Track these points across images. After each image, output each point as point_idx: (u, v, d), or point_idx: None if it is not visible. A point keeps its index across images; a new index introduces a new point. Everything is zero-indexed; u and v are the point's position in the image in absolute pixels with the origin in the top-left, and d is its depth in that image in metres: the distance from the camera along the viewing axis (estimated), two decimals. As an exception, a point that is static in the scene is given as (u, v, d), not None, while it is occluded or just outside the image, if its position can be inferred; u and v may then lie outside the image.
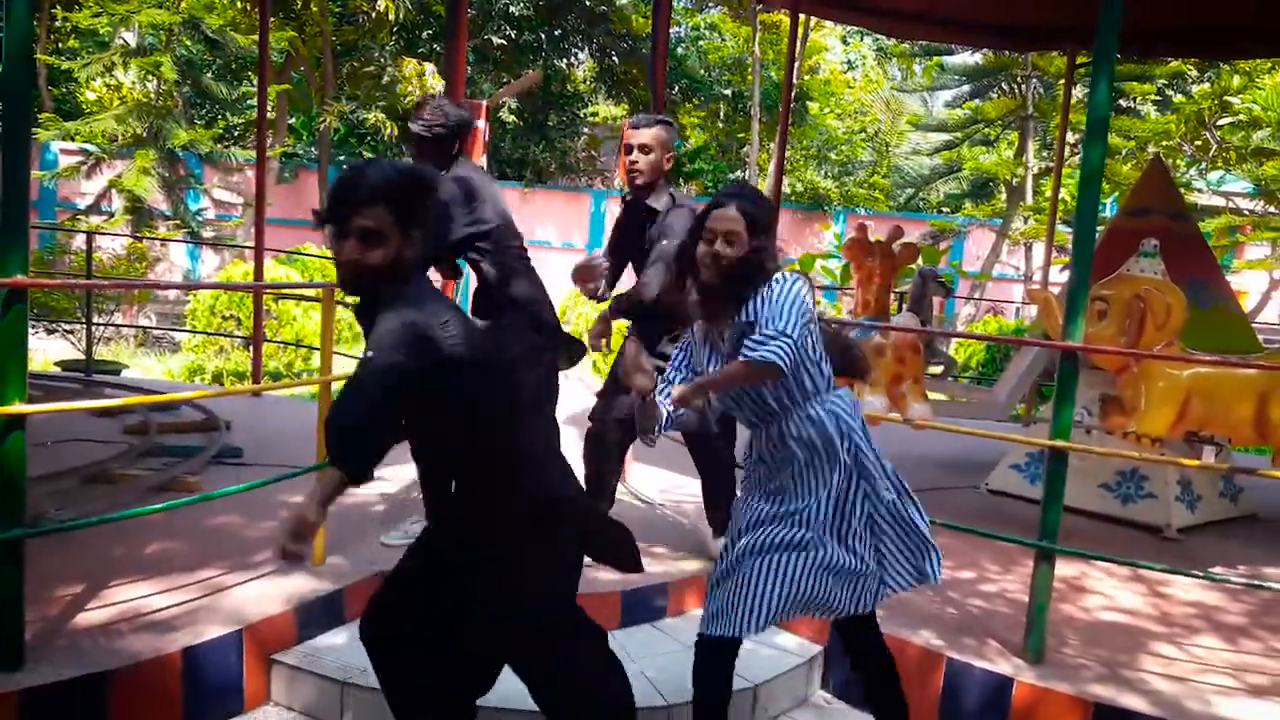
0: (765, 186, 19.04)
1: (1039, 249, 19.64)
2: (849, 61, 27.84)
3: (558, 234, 20.17)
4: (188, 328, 10.52)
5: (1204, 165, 16.20)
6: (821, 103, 24.53)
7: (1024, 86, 19.97)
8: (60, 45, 16.70)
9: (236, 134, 19.91)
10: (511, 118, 20.79)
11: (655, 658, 3.59)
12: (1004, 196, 21.50)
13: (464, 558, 2.42)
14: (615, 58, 21.44)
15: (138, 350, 12.10)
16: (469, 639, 2.53)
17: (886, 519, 2.76)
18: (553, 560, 2.48)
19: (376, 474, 2.25)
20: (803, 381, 2.67)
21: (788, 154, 17.23)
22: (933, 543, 2.82)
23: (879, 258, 5.42)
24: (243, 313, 9.89)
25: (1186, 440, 5.43)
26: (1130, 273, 5.13)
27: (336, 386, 9.48)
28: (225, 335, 9.95)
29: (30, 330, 2.93)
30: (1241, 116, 14.36)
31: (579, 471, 2.90)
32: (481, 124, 4.17)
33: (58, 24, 15.67)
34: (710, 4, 23.86)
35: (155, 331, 12.90)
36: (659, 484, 5.42)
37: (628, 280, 4.06)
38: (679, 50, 23.22)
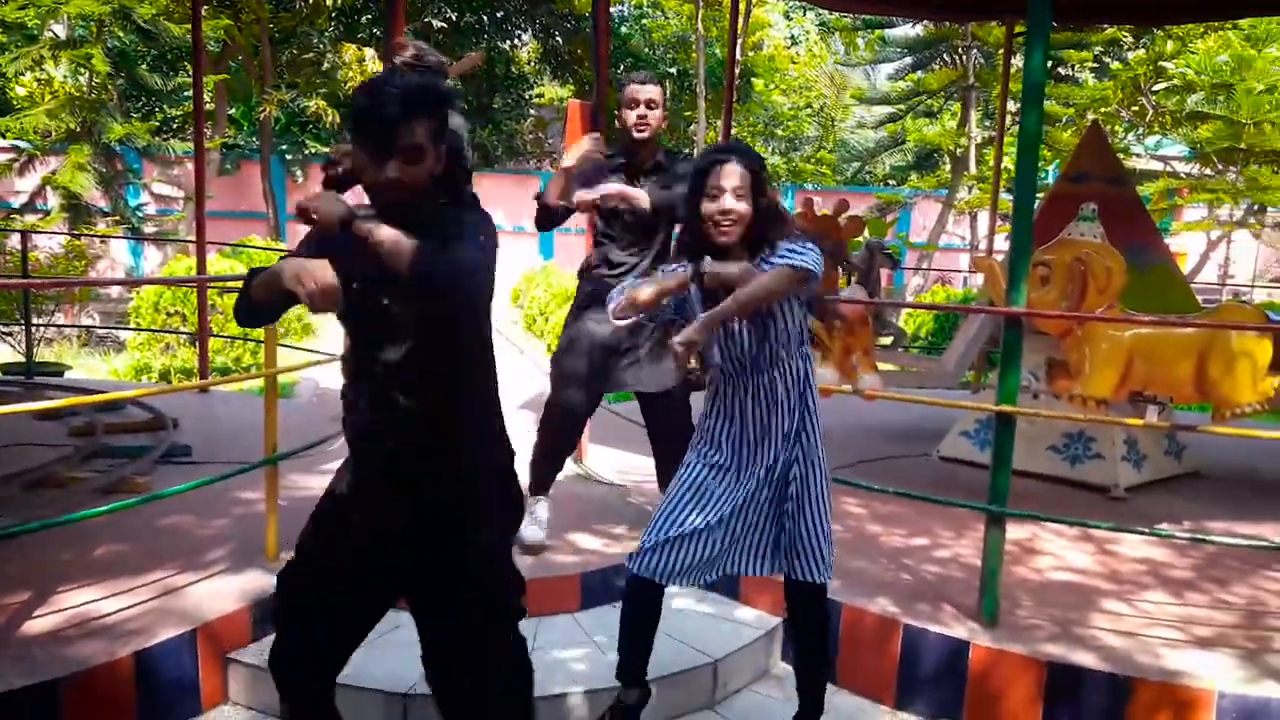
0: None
1: (984, 218, 19.90)
2: (792, 37, 27.89)
3: (508, 218, 20.02)
4: (132, 326, 10.32)
5: (1141, 130, 16.48)
6: (766, 79, 24.58)
7: (965, 57, 20.14)
8: (-14, 40, 16.21)
9: (175, 126, 19.49)
10: (456, 101, 20.55)
11: (616, 638, 3.59)
12: (948, 167, 21.71)
13: (438, 467, 2.21)
14: (559, 38, 21.30)
15: (81, 350, 11.85)
16: (404, 564, 2.25)
17: (802, 498, 2.83)
18: (511, 502, 2.37)
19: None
20: (800, 326, 2.76)
21: (734, 131, 17.24)
22: (826, 542, 2.85)
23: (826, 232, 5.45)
24: (187, 309, 9.73)
25: (1131, 401, 5.54)
26: (1071, 237, 5.20)
27: (286, 379, 9.32)
28: (170, 332, 9.78)
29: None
30: (1176, 81, 14.62)
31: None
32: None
33: (-18, 17, 15.21)
34: (652, -19, 23.79)
35: (99, 331, 12.63)
36: (616, 464, 5.43)
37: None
38: (622, 29, 23.12)
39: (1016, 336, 3.51)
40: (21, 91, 16.75)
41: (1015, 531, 4.49)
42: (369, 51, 17.43)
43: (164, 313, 9.93)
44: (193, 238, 9.22)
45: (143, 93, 17.58)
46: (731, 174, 2.63)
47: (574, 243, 16.18)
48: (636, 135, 3.89)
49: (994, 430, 3.54)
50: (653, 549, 2.74)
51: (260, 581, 3.53)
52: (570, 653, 3.43)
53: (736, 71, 8.69)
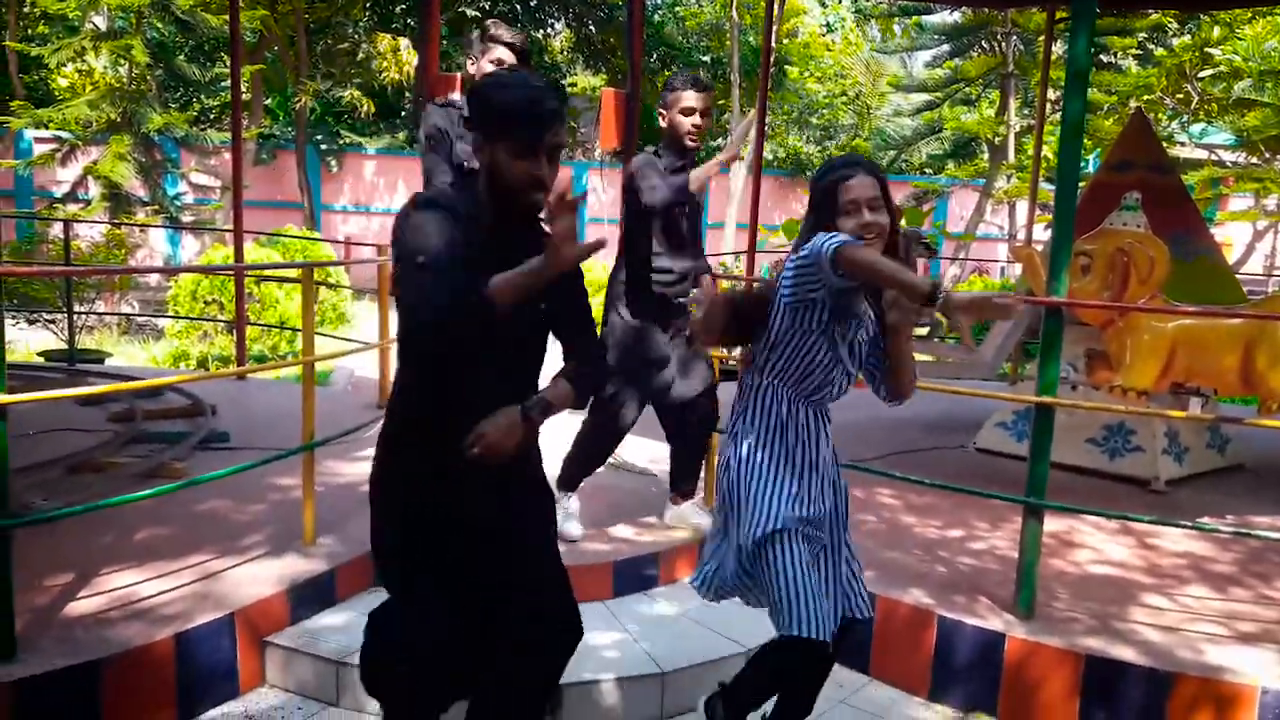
0: (747, 152, 18.99)
1: (1022, 207, 19.65)
2: (827, 24, 27.63)
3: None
4: (170, 313, 10.45)
5: (1186, 118, 16.17)
6: (801, 66, 24.39)
7: (1004, 44, 19.84)
8: (29, 31, 16.43)
9: (212, 116, 19.72)
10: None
11: (648, 626, 3.60)
12: (986, 156, 21.44)
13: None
14: (592, 27, 21.26)
15: (121, 338, 12.01)
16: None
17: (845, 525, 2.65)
18: None
19: None
20: None
21: (768, 119, 17.15)
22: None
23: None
24: (225, 297, 9.83)
25: (1173, 392, 5.46)
26: (1113, 227, 5.13)
27: (322, 367, 9.40)
28: (208, 320, 9.89)
29: (11, 321, 2.90)
30: (1222, 68, 14.33)
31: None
32: (458, 97, 4.12)
33: (26, 9, 15.42)
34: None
35: (138, 318, 12.80)
36: (649, 454, 5.43)
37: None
38: (656, 17, 23.04)
39: (1058, 326, 3.46)
40: (63, 83, 16.99)
41: (1052, 524, 4.43)
42: (404, 41, 17.49)
43: (201, 301, 10.04)
44: (230, 227, 9.32)
45: (181, 83, 17.76)
46: (865, 186, 2.43)
47: (607, 232, 16.13)
48: (689, 144, 3.83)
49: (1033, 422, 3.50)
50: (813, 614, 2.40)
51: (297, 566, 3.57)
52: (603, 640, 3.43)
53: (771, 59, 8.62)
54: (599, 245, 2.00)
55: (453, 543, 2.25)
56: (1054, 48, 8.83)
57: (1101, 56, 19.33)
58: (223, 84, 18.85)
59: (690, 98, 3.78)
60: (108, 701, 2.85)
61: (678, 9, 24.39)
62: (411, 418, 2.24)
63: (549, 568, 2.36)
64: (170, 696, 3.02)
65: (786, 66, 23.40)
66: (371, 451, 2.34)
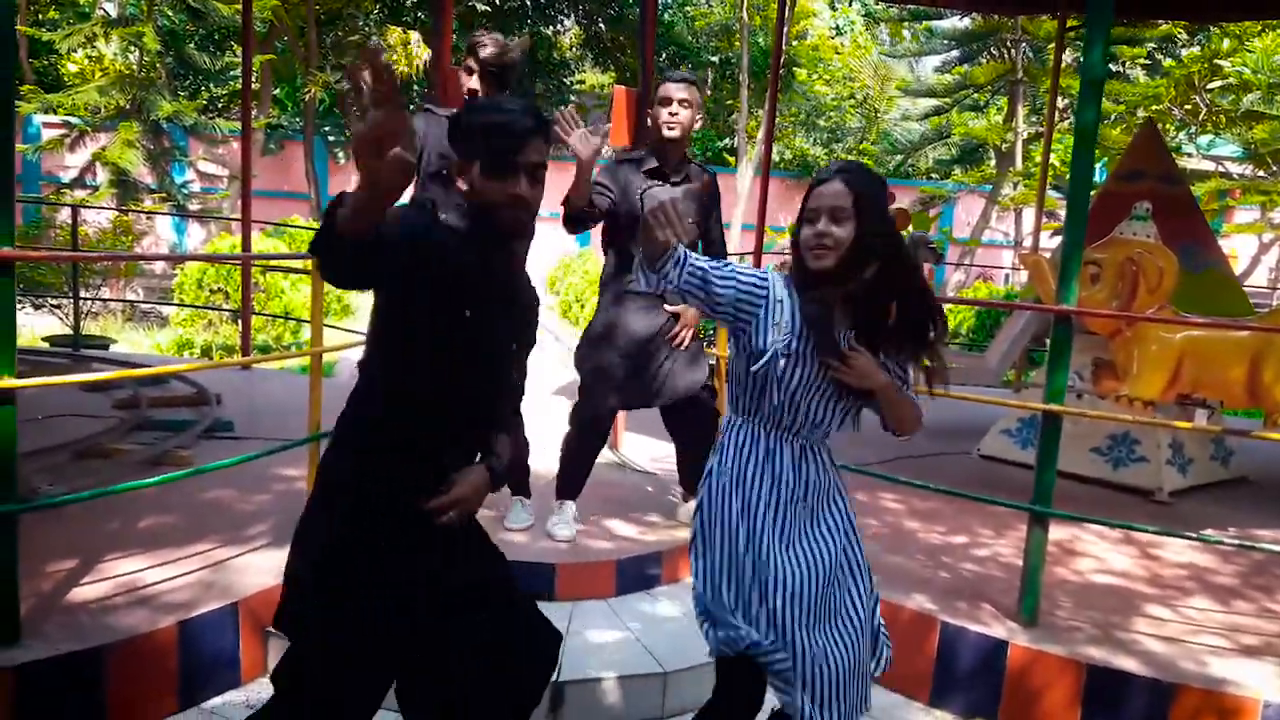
0: (754, 154, 18.98)
1: (1029, 214, 19.63)
2: (837, 27, 27.60)
3: (546, 203, 20.06)
4: (175, 301, 10.46)
5: (1194, 129, 16.15)
6: (809, 69, 24.35)
7: (1013, 51, 19.85)
8: (40, 16, 16.44)
9: (221, 105, 19.69)
10: (498, 86, 20.57)
11: (650, 625, 3.60)
12: (993, 162, 21.42)
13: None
14: (602, 24, 21.25)
15: (125, 325, 12.02)
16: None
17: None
18: None
19: None
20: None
21: (776, 121, 17.14)
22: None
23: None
24: (230, 286, 9.85)
25: (1179, 403, 5.45)
26: (1123, 236, 5.12)
27: (328, 359, 9.38)
28: (213, 309, 9.90)
29: (17, 305, 2.90)
30: (1231, 80, 14.30)
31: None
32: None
33: (37, -6, 15.45)
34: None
35: (143, 305, 12.81)
36: (651, 452, 5.43)
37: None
38: (666, 17, 22.99)
39: (1067, 334, 3.46)
40: (73, 69, 17.01)
41: (1056, 533, 4.43)
42: (414, 34, 17.48)
43: (207, 289, 10.06)
44: (236, 216, 9.33)
45: (190, 71, 17.77)
46: (830, 194, 2.22)
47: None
48: (665, 134, 3.88)
49: (1040, 428, 3.50)
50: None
51: (300, 557, 3.56)
52: (605, 638, 3.44)
53: (780, 61, 8.61)
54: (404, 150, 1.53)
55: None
56: (1064, 55, 8.81)
57: (1111, 65, 19.32)
58: (232, 73, 18.83)
59: (666, 88, 3.89)
60: (111, 688, 2.85)
61: (687, 9, 24.36)
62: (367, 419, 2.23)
63: (510, 594, 2.22)
64: (172, 684, 3.02)
65: (795, 68, 23.36)
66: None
